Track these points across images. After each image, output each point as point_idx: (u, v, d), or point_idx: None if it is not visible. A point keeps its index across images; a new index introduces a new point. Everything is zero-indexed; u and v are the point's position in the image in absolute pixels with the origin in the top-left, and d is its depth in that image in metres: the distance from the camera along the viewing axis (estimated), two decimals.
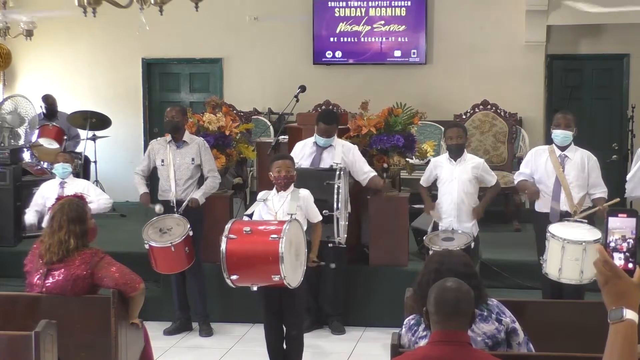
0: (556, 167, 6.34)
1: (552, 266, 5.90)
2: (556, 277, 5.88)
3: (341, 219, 6.47)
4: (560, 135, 6.38)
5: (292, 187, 5.75)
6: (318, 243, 5.93)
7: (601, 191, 6.37)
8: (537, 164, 6.49)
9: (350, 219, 6.80)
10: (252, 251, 5.30)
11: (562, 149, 6.40)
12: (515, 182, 6.77)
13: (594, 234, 5.88)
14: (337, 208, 6.38)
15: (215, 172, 7.06)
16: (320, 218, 5.92)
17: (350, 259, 7.15)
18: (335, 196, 6.39)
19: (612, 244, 4.93)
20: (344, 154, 6.86)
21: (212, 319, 7.14)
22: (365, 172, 6.97)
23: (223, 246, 5.28)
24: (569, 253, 5.79)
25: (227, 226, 5.39)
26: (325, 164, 6.82)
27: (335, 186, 6.42)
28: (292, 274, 5.32)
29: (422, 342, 3.60)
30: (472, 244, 6.45)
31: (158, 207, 6.77)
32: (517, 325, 3.82)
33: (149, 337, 5.26)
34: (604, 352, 2.28)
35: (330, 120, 6.90)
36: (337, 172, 6.49)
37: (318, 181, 6.34)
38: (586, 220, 6.08)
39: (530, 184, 6.52)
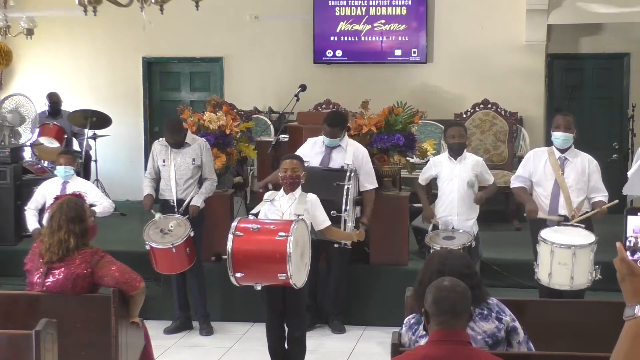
0: (555, 170, 6.21)
1: (542, 271, 5.81)
2: (546, 282, 5.78)
3: (349, 221, 6.46)
4: (560, 137, 6.24)
5: (299, 189, 5.74)
6: (343, 235, 6.05)
7: (602, 195, 6.23)
8: (535, 167, 6.35)
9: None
10: (259, 249, 5.30)
11: (562, 151, 6.27)
12: (512, 187, 6.59)
13: (587, 238, 5.77)
14: (345, 210, 6.36)
15: (213, 175, 7.07)
16: (329, 223, 5.88)
17: (350, 259, 7.15)
18: (345, 198, 6.37)
19: (630, 242, 4.94)
20: (354, 156, 6.81)
21: (212, 318, 7.15)
22: (366, 180, 6.88)
23: (229, 243, 5.28)
24: (558, 257, 5.70)
25: (234, 224, 5.40)
26: (335, 163, 6.78)
27: (345, 187, 6.40)
28: (297, 273, 5.32)
29: (423, 341, 3.60)
30: (473, 243, 6.45)
31: (158, 216, 6.73)
32: (517, 324, 3.82)
33: (149, 336, 5.26)
34: (614, 348, 2.31)
35: (333, 123, 6.82)
36: (348, 174, 6.48)
37: (327, 181, 6.29)
38: (583, 225, 5.97)
39: (528, 197, 6.35)
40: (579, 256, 5.67)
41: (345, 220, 6.37)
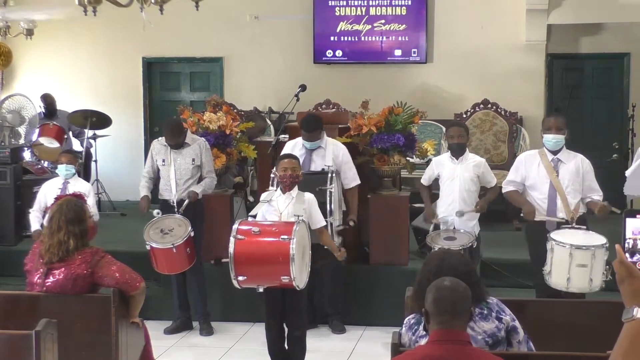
0: (550, 172, 6.12)
1: (558, 276, 5.57)
2: (564, 287, 5.55)
3: (335, 223, 6.45)
4: (551, 140, 6.15)
5: (296, 188, 5.74)
6: (330, 243, 5.94)
7: (597, 194, 6.15)
8: (528, 171, 6.24)
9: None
10: (262, 252, 5.29)
11: (554, 152, 6.18)
12: (504, 192, 6.47)
13: (598, 238, 5.62)
14: (331, 214, 6.36)
15: (213, 174, 7.08)
16: (324, 223, 5.89)
17: (350, 259, 7.14)
18: (329, 200, 6.36)
19: (629, 244, 4.92)
20: (334, 154, 6.80)
21: (212, 318, 7.15)
22: (347, 178, 6.86)
23: (231, 247, 5.27)
24: (577, 259, 5.49)
25: (235, 227, 5.38)
26: (316, 165, 6.76)
27: (328, 191, 6.39)
28: (299, 275, 5.33)
29: (423, 341, 3.60)
30: (474, 244, 6.43)
31: (156, 212, 6.72)
32: (517, 323, 3.82)
33: (150, 336, 5.27)
34: (613, 349, 2.31)
35: (310, 128, 6.80)
36: (330, 176, 6.47)
37: (310, 186, 6.19)
38: (585, 227, 5.87)
39: (523, 200, 6.25)
40: (598, 257, 5.50)
41: (331, 224, 6.36)
